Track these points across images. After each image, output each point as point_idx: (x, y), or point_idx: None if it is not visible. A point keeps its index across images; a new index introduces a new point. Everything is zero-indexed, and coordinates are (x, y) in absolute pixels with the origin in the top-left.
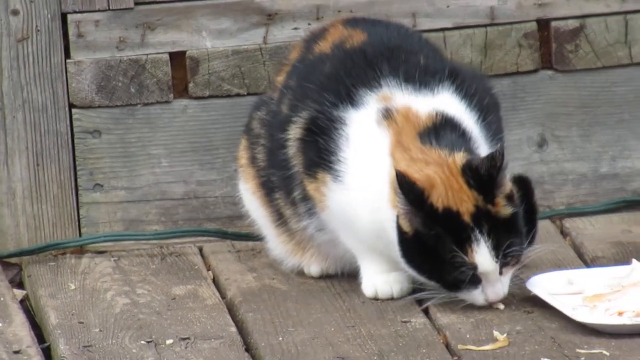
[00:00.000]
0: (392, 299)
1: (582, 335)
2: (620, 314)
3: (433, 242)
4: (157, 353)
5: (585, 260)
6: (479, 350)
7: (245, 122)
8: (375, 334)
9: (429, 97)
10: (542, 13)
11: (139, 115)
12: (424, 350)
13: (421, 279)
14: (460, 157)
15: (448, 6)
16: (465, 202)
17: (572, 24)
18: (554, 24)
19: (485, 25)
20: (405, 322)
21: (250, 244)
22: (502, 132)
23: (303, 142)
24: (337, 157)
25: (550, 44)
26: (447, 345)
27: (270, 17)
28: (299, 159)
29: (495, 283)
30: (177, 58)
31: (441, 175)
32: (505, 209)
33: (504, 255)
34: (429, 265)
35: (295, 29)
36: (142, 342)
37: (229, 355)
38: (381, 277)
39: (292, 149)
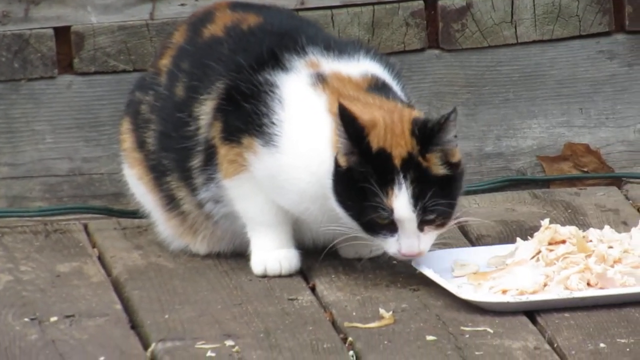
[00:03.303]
0: (280, 276)
1: (466, 313)
2: (504, 292)
3: (361, 180)
4: (41, 330)
5: (470, 239)
6: (365, 328)
7: (126, 102)
8: (262, 312)
9: (354, 63)
10: None
11: (23, 91)
12: (311, 328)
13: (346, 218)
14: (417, 112)
15: None
16: (400, 147)
17: (459, 3)
18: (440, 2)
19: (372, 4)
20: (292, 299)
21: (136, 221)
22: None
23: (221, 111)
24: (269, 120)
25: (437, 23)
26: (334, 323)
27: None
28: (215, 127)
29: (411, 235)
30: (62, 33)
31: (387, 119)
32: (437, 168)
33: (424, 209)
34: (353, 203)
35: (182, 5)
36: (26, 319)
37: (114, 332)
38: (271, 254)
39: (204, 121)
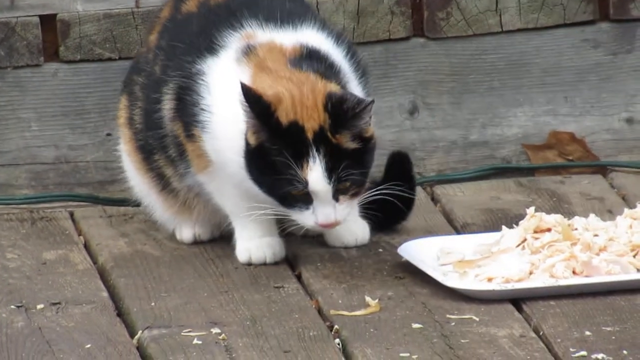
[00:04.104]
0: (265, 264)
1: (452, 301)
2: (489, 280)
3: (273, 155)
4: (28, 318)
5: (456, 226)
6: (351, 316)
7: (124, 79)
8: (248, 300)
9: (291, 32)
10: None
11: (9, 79)
12: (297, 316)
13: (261, 194)
14: (333, 86)
15: None
16: (313, 119)
17: None
18: None
19: None
20: (278, 287)
21: (122, 209)
22: (368, 74)
23: (178, 110)
24: (199, 108)
25: (422, 12)
26: (320, 311)
27: None
28: (177, 126)
29: (327, 205)
30: (48, 21)
31: (294, 92)
32: (348, 144)
33: (339, 179)
34: (267, 178)
35: None
36: (12, 306)
37: (100, 320)
38: (254, 242)
39: (168, 116)
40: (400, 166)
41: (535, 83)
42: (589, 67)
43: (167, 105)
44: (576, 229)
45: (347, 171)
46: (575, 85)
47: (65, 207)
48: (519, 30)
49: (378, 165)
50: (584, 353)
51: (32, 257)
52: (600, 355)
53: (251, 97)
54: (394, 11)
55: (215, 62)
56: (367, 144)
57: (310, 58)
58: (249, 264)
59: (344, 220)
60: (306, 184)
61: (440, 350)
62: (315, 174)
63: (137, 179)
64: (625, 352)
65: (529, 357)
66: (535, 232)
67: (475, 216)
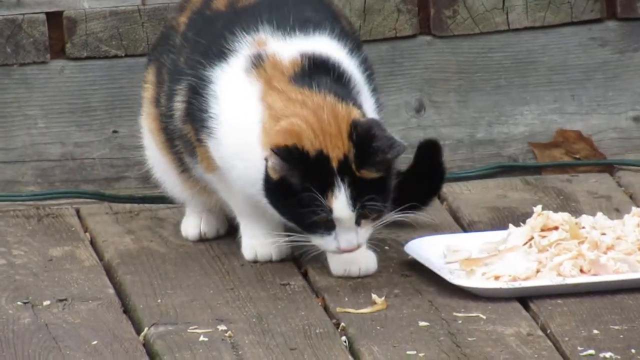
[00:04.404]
0: (271, 261)
1: (459, 299)
2: (496, 278)
3: (297, 186)
4: (34, 314)
5: (462, 224)
6: (358, 313)
7: (153, 48)
8: (254, 297)
9: (298, 41)
10: None
11: (15, 76)
12: (303, 313)
13: (281, 218)
14: (355, 110)
15: None
16: (337, 148)
17: None
18: None
19: None
20: (284, 284)
21: (128, 206)
22: (378, 91)
23: (189, 114)
24: (208, 115)
25: (428, 10)
26: (326, 308)
27: None
28: (188, 129)
29: (349, 231)
30: (54, 18)
31: (311, 119)
32: (371, 175)
33: (362, 207)
34: (289, 205)
35: None
36: (19, 303)
37: (107, 316)
38: (260, 240)
39: (180, 115)
40: (430, 155)
41: (542, 81)
42: (596, 66)
43: (179, 106)
44: (583, 228)
45: (371, 199)
46: (582, 84)
47: (71, 204)
48: (526, 28)
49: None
50: (591, 352)
51: (38, 253)
52: (608, 354)
53: (283, 153)
54: (400, 9)
55: (223, 71)
56: (390, 171)
57: (315, 69)
58: (255, 262)
59: (365, 242)
60: (330, 212)
61: (447, 348)
62: (340, 203)
63: (157, 158)
64: (633, 350)
65: (536, 356)
66: (543, 230)
67: (481, 214)
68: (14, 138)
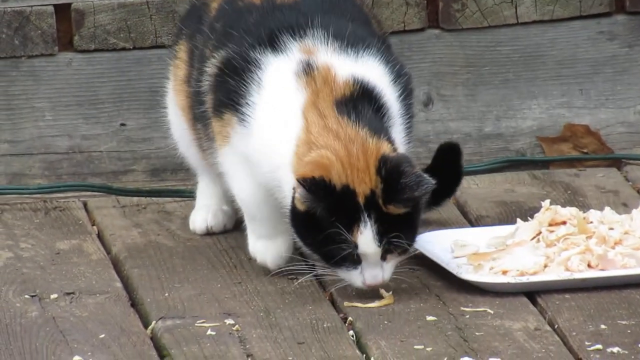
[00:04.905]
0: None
1: (466, 294)
2: (504, 272)
3: (323, 219)
4: (42, 307)
5: (470, 219)
6: (365, 308)
7: (185, 23)
8: (262, 291)
9: (351, 60)
10: None
11: (23, 68)
12: (310, 307)
13: (306, 250)
14: (385, 145)
15: None
16: (364, 183)
17: None
18: None
19: None
20: (291, 279)
21: (135, 199)
22: (414, 117)
23: (216, 81)
24: (246, 101)
25: (437, 3)
26: (333, 303)
27: None
28: (209, 99)
29: (375, 267)
30: (63, 10)
31: (343, 152)
32: (397, 210)
33: (389, 243)
34: (315, 238)
35: None
36: (26, 296)
37: (114, 310)
38: (260, 242)
39: (206, 86)
40: (449, 158)
41: (550, 75)
42: (605, 60)
43: (210, 70)
44: (591, 222)
45: (397, 234)
46: (591, 78)
47: (78, 197)
48: (535, 22)
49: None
50: (599, 346)
51: (45, 246)
52: (615, 349)
53: (310, 186)
54: (408, 2)
55: (275, 61)
56: (418, 207)
57: (361, 100)
58: (256, 260)
59: (390, 277)
60: (355, 247)
61: (454, 342)
62: (366, 238)
63: (184, 134)
64: None
65: (543, 351)
66: (550, 225)
67: (489, 209)
68: (22, 130)
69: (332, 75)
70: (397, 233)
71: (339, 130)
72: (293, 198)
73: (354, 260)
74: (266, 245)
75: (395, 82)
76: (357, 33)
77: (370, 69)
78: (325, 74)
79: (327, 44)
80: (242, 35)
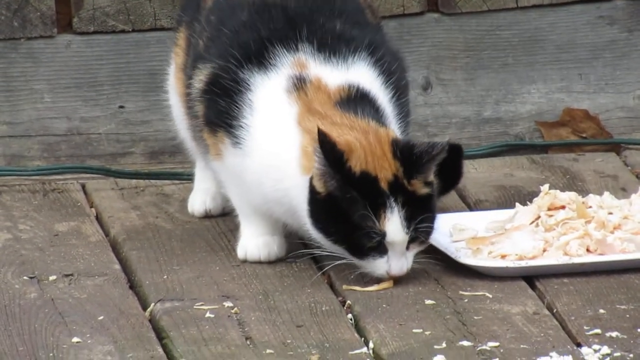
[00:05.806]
0: (259, 262)
1: (465, 278)
2: (503, 257)
3: (346, 205)
4: (41, 289)
5: (469, 203)
6: (364, 291)
7: (185, 9)
8: (260, 274)
9: (343, 69)
10: None
11: (22, 50)
12: (309, 290)
13: (326, 242)
14: (391, 131)
15: None
16: (385, 169)
17: None
18: None
19: None
20: (290, 262)
21: (134, 182)
22: (410, 115)
23: (204, 98)
24: (238, 123)
25: None
26: (332, 286)
27: None
28: (199, 108)
29: (401, 256)
30: None
31: (363, 141)
32: (421, 189)
33: (415, 230)
34: (337, 228)
35: None
36: (25, 277)
37: (113, 292)
38: (252, 241)
39: (194, 94)
40: (450, 157)
41: (550, 60)
42: (604, 44)
43: (198, 85)
44: (590, 207)
45: (422, 220)
46: (590, 62)
47: (77, 179)
48: (534, 6)
49: None
50: (598, 331)
51: (44, 228)
52: (614, 334)
53: (327, 144)
54: None
55: (263, 83)
56: (432, 187)
57: (361, 100)
58: (245, 261)
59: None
60: (384, 235)
61: (453, 326)
62: (394, 226)
63: (181, 117)
64: (639, 330)
65: (542, 335)
66: (549, 209)
67: (488, 193)
68: (20, 112)
69: (324, 85)
70: (422, 217)
71: (350, 123)
72: (311, 184)
73: (380, 250)
74: (258, 242)
75: (387, 83)
76: (346, 34)
77: (360, 76)
78: (317, 85)
79: (316, 56)
80: (230, 43)
